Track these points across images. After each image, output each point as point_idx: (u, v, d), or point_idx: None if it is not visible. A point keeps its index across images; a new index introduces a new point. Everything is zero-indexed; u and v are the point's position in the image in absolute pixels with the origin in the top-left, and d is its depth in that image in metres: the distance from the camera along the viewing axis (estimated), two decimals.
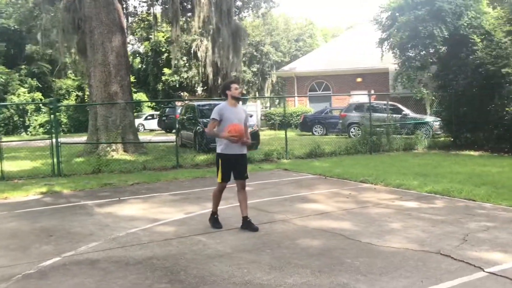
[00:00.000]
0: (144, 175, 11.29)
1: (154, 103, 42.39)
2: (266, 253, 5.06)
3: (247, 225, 6.09)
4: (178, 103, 36.84)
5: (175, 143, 13.57)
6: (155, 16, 17.41)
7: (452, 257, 4.75)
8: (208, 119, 16.02)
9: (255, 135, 15.73)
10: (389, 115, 17.81)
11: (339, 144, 15.30)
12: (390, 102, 21.42)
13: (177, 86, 40.21)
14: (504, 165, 11.43)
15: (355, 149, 14.92)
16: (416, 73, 15.80)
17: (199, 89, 43.81)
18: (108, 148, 14.21)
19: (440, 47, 15.14)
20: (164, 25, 21.42)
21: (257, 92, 39.29)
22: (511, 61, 14.07)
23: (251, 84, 39.15)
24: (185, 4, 18.77)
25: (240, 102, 6.46)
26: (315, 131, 24.75)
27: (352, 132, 21.40)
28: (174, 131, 31.35)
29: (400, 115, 20.03)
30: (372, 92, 29.92)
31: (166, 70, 40.44)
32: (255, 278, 4.30)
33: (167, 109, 34.77)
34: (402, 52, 16.34)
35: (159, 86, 41.33)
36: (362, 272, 4.41)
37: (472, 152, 14.77)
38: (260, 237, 5.70)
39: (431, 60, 15.63)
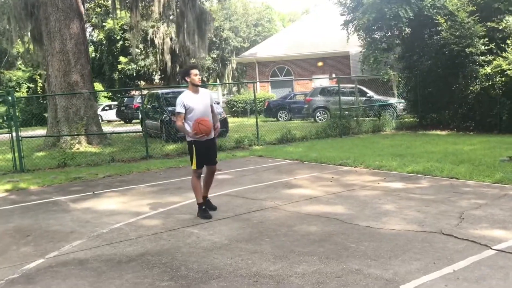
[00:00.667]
0: (114, 167, 10.81)
1: (110, 93, 41.13)
2: (266, 242, 4.84)
3: (206, 204, 6.16)
4: (137, 92, 35.90)
5: (143, 133, 13.08)
6: (114, 1, 16.64)
7: (456, 236, 4.68)
8: (174, 107, 15.84)
9: (224, 123, 15.45)
10: (356, 98, 17.88)
11: (309, 129, 15.24)
12: (354, 86, 21.62)
13: (134, 74, 39.10)
14: (474, 142, 11.66)
15: (325, 133, 14.89)
16: (383, 55, 15.88)
17: (157, 77, 42.84)
18: (72, 141, 13.54)
19: (405, 28, 15.24)
20: (119, 12, 20.56)
21: (217, 79, 38.76)
22: (474, 41, 14.34)
23: (211, 71, 38.58)
24: None
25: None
26: (280, 117, 24.65)
27: (318, 116, 21.42)
28: (135, 121, 30.78)
29: (365, 98, 20.19)
30: (333, 75, 30.30)
31: (122, 59, 39.23)
32: (262, 269, 4.08)
33: (126, 99, 33.84)
34: (368, 34, 16.37)
35: (115, 75, 40.08)
36: (370, 256, 4.26)
37: (438, 132, 15.06)
38: (254, 226, 5.48)
39: (397, 42, 15.72)
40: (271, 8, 43.80)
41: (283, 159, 10.96)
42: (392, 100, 19.30)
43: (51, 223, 6.16)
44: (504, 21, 14.52)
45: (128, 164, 11.38)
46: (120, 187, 8.44)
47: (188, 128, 5.97)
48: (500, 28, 14.48)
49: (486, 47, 14.34)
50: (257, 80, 31.90)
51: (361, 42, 17.34)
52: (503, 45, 14.38)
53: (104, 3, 23.08)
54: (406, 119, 17.03)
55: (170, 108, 15.39)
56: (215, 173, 6.38)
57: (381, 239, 4.76)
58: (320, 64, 31.42)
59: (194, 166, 6.03)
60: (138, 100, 32.30)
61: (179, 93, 17.80)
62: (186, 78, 6.03)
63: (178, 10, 16.36)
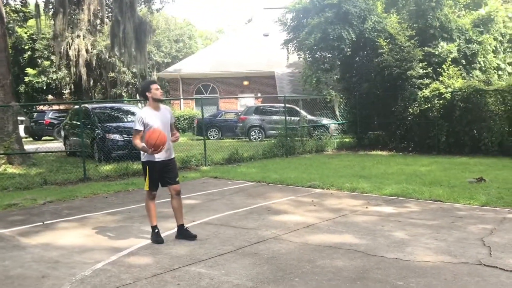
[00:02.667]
0: (50, 191, 9.44)
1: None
2: (298, 283, 4.16)
3: (185, 234, 5.69)
4: (47, 107, 33.15)
5: (79, 152, 11.71)
6: (37, 6, 14.95)
7: (502, 268, 4.34)
8: (109, 125, 14.59)
9: None
10: (302, 118, 17.67)
11: (256, 149, 14.69)
12: (289, 106, 21.54)
13: (44, 88, 36.15)
14: (425, 164, 11.83)
15: (272, 153, 14.45)
16: (325, 76, 15.88)
17: (67, 92, 40.01)
18: None
19: (347, 49, 15.39)
20: (43, 18, 18.74)
21: (137, 95, 37.03)
22: (414, 64, 14.81)
23: (131, 86, 36.76)
24: None
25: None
26: (210, 135, 23.88)
27: (252, 135, 21.00)
28: (46, 137, 28.19)
29: (298, 118, 20.13)
30: (259, 95, 30.25)
31: (29, 71, 36.16)
32: None
33: (35, 114, 31.10)
34: (311, 54, 16.32)
35: (21, 88, 36.78)
36: None
37: (379, 152, 15.26)
38: (269, 262, 4.76)
39: (338, 63, 15.82)
40: (192, 25, 43.12)
41: (243, 180, 10.27)
42: (325, 121, 19.43)
43: (8, 265, 4.94)
44: (439, 46, 15.20)
45: (65, 187, 10.03)
46: (72, 216, 7.24)
47: (144, 145, 5.46)
48: (436, 53, 15.13)
49: (424, 71, 14.86)
50: (181, 96, 30.93)
51: (303, 61, 17.23)
52: (439, 70, 15.01)
53: (22, 8, 20.94)
54: (346, 139, 17.11)
55: (106, 124, 14.14)
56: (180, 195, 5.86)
57: (423, 274, 4.29)
58: (246, 83, 31.21)
59: (146, 187, 5.66)
60: (50, 115, 29.82)
61: (113, 108, 16.49)
62: (147, 93, 5.60)
63: (113, 18, 15.11)
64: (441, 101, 14.38)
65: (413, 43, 14.85)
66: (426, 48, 15.05)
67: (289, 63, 31.30)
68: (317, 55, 16.00)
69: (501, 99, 13.47)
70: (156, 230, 5.66)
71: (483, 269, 4.35)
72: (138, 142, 5.52)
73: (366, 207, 7.18)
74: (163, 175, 5.66)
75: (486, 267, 4.40)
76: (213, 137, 23.75)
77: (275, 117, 21.20)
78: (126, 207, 7.79)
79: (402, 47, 14.86)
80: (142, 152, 5.62)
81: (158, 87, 5.68)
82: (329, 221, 6.40)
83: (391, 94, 15.47)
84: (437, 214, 6.58)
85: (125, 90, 35.44)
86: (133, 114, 15.40)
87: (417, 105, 14.97)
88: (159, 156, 5.56)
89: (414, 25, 15.46)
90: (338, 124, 18.09)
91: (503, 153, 13.19)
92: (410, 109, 15.13)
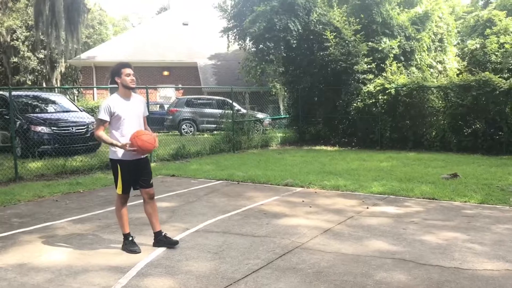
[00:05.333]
0: None
1: None
2: None
3: (164, 241, 4.99)
4: None
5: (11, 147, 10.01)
6: None
7: None
8: (35, 115, 12.65)
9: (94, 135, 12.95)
10: (249, 112, 16.92)
11: (202, 144, 13.73)
12: (221, 98, 20.76)
13: None
14: (382, 159, 11.74)
15: (219, 148, 13.60)
16: (270, 67, 15.30)
17: None
18: None
19: (294, 41, 14.95)
20: None
21: (43, 83, 33.69)
22: (360, 59, 14.77)
23: (36, 73, 33.32)
24: None
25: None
26: None
27: (184, 129, 19.86)
28: None
29: (232, 111, 19.39)
30: (180, 86, 29.01)
31: None
32: None
33: None
34: (256, 44, 15.63)
35: None
36: None
37: (324, 147, 15.05)
38: (319, 278, 4.05)
39: (284, 55, 15.33)
40: (103, 10, 40.25)
41: (207, 179, 9.37)
42: (260, 115, 18.92)
43: None
44: (382, 42, 15.34)
45: None
46: (29, 226, 5.91)
47: (114, 139, 4.72)
48: (379, 48, 15.23)
49: (368, 66, 14.89)
50: (94, 85, 28.66)
51: (244, 51, 16.50)
52: (382, 65, 15.14)
53: None
54: (287, 134, 16.70)
55: (31, 115, 12.36)
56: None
57: (501, 286, 3.85)
58: (166, 73, 29.73)
59: (119, 191, 4.87)
60: None
61: (35, 97, 14.46)
62: (116, 78, 4.80)
63: None
64: (385, 97, 14.48)
65: (359, 38, 14.80)
66: (370, 43, 15.08)
67: (212, 54, 30.48)
68: (261, 46, 15.35)
69: (443, 95, 13.86)
70: (130, 238, 4.92)
71: None
72: (102, 134, 4.74)
73: (367, 207, 6.72)
74: (136, 176, 4.89)
75: None
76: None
77: (208, 110, 20.35)
78: (90, 213, 6.58)
79: (347, 41, 14.76)
80: (112, 149, 4.80)
81: (131, 72, 4.82)
82: (341, 224, 5.82)
83: (335, 88, 15.34)
84: (446, 214, 6.29)
85: (30, 77, 32.08)
86: (59, 104, 13.66)
87: (360, 100, 14.97)
88: (133, 155, 4.76)
89: (357, 19, 15.43)
90: (281, 118, 17.65)
91: (444, 148, 13.57)
92: (354, 104, 15.09)
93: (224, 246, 4.97)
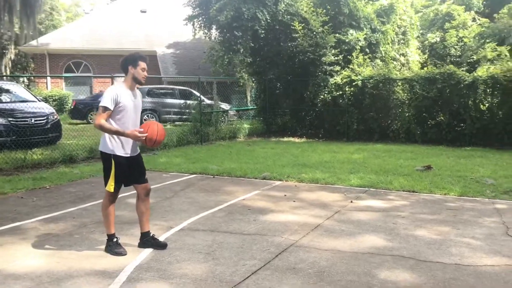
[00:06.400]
0: None
1: None
2: None
3: (152, 242, 4.69)
4: None
5: None
6: None
7: None
8: None
9: (56, 126, 12.34)
10: (199, 102, 16.48)
11: (169, 135, 13.28)
12: (183, 88, 20.30)
13: None
14: (352, 151, 11.76)
15: (186, 140, 13.22)
16: (238, 57, 14.98)
17: None
18: None
19: (262, 31, 14.70)
20: None
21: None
22: (327, 51, 14.72)
23: None
24: None
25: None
26: (91, 119, 21.39)
27: (145, 120, 19.23)
28: None
29: (196, 102, 18.99)
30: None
31: None
32: None
33: None
34: (223, 33, 15.26)
35: None
36: None
37: (291, 139, 14.96)
38: (323, 279, 3.88)
39: (252, 45, 15.05)
40: None
41: (178, 172, 9.04)
42: (223, 106, 18.59)
43: None
44: (349, 34, 15.35)
45: None
46: None
47: (115, 128, 4.36)
48: (346, 40, 15.23)
49: (336, 58, 14.87)
50: (48, 74, 27.35)
51: (209, 40, 16.09)
52: (349, 57, 15.16)
53: None
54: (254, 125, 16.48)
55: None
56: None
57: (500, 281, 3.82)
58: None
59: (110, 188, 4.49)
60: None
61: None
62: (130, 67, 4.44)
63: None
64: (352, 89, 14.53)
65: (327, 29, 14.73)
66: (337, 35, 15.05)
67: (170, 43, 29.73)
68: (228, 35, 15.00)
69: (408, 87, 14.02)
70: (115, 240, 4.60)
71: None
72: (105, 123, 4.31)
73: (351, 201, 6.63)
74: (129, 173, 4.57)
75: None
76: (94, 121, 21.33)
77: (171, 100, 19.85)
78: (62, 211, 6.14)
79: (315, 33, 14.66)
80: (107, 141, 4.42)
81: (146, 67, 4.52)
82: (330, 220, 5.69)
83: (302, 80, 15.24)
84: (430, 207, 6.28)
85: None
86: (15, 93, 12.84)
87: (327, 92, 14.96)
88: (129, 151, 4.49)
89: (324, 10, 15.35)
90: (248, 109, 17.41)
91: (409, 140, 13.77)
92: (321, 96, 15.07)
93: (214, 246, 4.72)
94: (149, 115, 19.31)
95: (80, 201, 6.66)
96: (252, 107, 17.22)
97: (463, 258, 4.36)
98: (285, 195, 7.01)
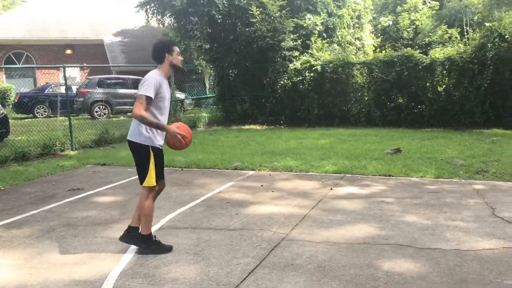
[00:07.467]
0: None
1: None
2: None
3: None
4: None
5: None
6: None
7: None
8: None
9: (3, 121, 11.47)
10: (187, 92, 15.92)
11: (126, 127, 12.66)
12: (137, 77, 19.55)
13: None
14: (317, 136, 11.65)
15: None
16: (195, 44, 14.46)
17: None
18: None
19: (219, 16, 14.26)
20: None
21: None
22: (286, 36, 14.49)
23: None
24: None
25: None
26: (37, 113, 20.26)
27: (97, 112, 18.41)
28: None
29: None
30: (85, 64, 26.98)
31: None
32: None
33: None
34: (178, 19, 14.67)
35: None
36: None
37: (252, 126, 14.70)
38: (327, 275, 3.65)
39: (210, 30, 14.56)
40: None
41: None
42: (179, 95, 18.07)
43: None
44: (307, 18, 15.18)
45: None
46: None
47: (156, 121, 4.04)
48: (304, 25, 15.06)
49: (294, 43, 14.68)
50: None
51: (164, 27, 15.46)
52: (308, 42, 15.02)
53: None
54: (214, 114, 16.06)
55: None
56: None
57: (504, 265, 3.74)
58: (69, 51, 27.49)
59: (152, 182, 4.16)
60: None
61: None
62: (167, 55, 4.15)
63: None
64: (312, 74, 14.40)
65: (284, 14, 14.49)
66: (295, 19, 14.84)
67: (118, 31, 28.57)
68: (183, 21, 14.44)
69: (367, 71, 14.06)
70: (155, 238, 4.29)
71: None
72: (147, 115, 3.95)
73: (331, 188, 6.46)
74: (162, 165, 4.36)
75: None
76: (41, 115, 20.23)
77: (123, 90, 19.08)
78: (24, 214, 5.60)
79: (273, 17, 14.39)
80: (143, 131, 4.06)
81: (179, 52, 4.29)
82: (315, 209, 5.49)
83: (261, 66, 14.96)
84: (411, 191, 6.21)
85: None
86: None
87: (287, 77, 14.77)
88: (161, 142, 4.20)
89: None
90: (207, 97, 16.93)
91: (370, 124, 13.84)
92: (281, 82, 14.87)
93: (201, 245, 4.40)
94: (101, 106, 18.46)
95: (42, 202, 6.13)
96: (211, 95, 16.78)
97: (460, 243, 4.26)
98: (261, 185, 6.75)
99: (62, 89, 21.47)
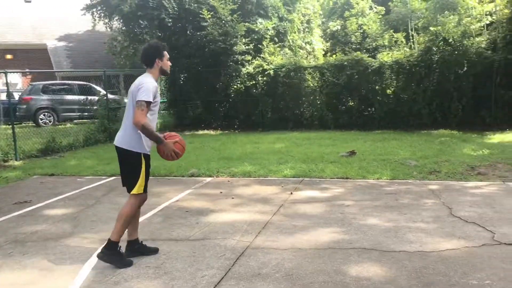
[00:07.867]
0: None
1: None
2: None
3: (145, 249, 4.29)
4: None
5: None
6: None
7: None
8: None
9: None
10: (100, 97, 15.37)
11: (74, 135, 12.17)
12: (83, 83, 18.89)
13: None
14: (272, 141, 11.61)
15: (94, 139, 12.21)
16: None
17: None
18: None
19: (169, 20, 13.98)
20: None
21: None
22: (238, 40, 14.42)
23: None
24: None
25: None
26: None
27: (41, 119, 17.61)
28: None
29: (98, 97, 17.74)
30: (27, 70, 25.83)
31: None
32: None
33: None
34: (127, 22, 14.25)
35: None
36: None
37: (206, 131, 14.52)
38: (296, 283, 3.57)
39: (160, 34, 14.24)
40: None
41: (94, 176, 8.23)
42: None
43: None
44: (258, 23, 15.18)
45: None
46: None
47: (156, 134, 4.01)
48: (256, 29, 15.05)
49: (246, 47, 14.63)
50: None
51: (111, 31, 14.99)
52: (260, 46, 15.01)
53: None
54: (166, 119, 15.74)
55: None
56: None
57: (473, 266, 3.80)
58: (9, 57, 26.22)
59: (140, 189, 4.04)
60: None
61: None
62: (157, 60, 4.06)
63: None
64: (264, 78, 14.40)
65: (236, 18, 14.42)
66: (247, 23, 14.80)
67: (61, 35, 27.53)
68: (132, 25, 14.06)
69: (319, 75, 14.21)
70: (119, 249, 4.07)
71: (507, 248, 4.12)
72: (149, 124, 3.87)
73: (291, 193, 6.41)
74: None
75: (509, 246, 4.18)
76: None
77: (70, 97, 18.35)
78: None
79: (225, 21, 14.28)
80: (138, 139, 3.96)
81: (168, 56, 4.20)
82: (277, 215, 5.41)
83: (213, 70, 14.81)
84: (369, 193, 6.26)
85: None
86: None
87: (240, 82, 14.70)
88: (149, 148, 4.11)
89: None
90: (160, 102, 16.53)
91: (323, 127, 13.98)
92: (234, 86, 14.78)
93: (162, 257, 4.21)
94: (46, 114, 17.67)
95: (15, 209, 5.73)
96: (162, 100, 16.42)
97: (423, 244, 4.30)
98: (221, 192, 6.61)
99: (3, 96, 20.44)
